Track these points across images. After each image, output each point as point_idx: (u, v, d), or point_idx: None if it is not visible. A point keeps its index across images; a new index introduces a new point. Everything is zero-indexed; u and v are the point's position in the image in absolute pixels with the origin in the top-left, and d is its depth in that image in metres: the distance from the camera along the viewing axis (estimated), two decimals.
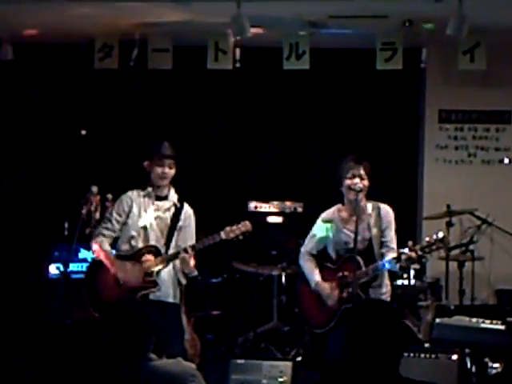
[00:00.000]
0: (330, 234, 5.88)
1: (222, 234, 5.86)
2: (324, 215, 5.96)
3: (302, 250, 6.03)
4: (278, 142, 8.78)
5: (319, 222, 5.96)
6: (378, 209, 5.83)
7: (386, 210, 5.85)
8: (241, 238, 5.90)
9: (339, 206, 5.90)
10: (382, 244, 5.76)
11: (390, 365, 3.51)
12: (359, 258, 5.62)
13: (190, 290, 6.57)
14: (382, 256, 5.68)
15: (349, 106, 8.66)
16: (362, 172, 5.75)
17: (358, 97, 8.63)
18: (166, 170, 5.94)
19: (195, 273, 6.05)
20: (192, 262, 5.90)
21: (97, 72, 8.16)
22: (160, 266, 5.87)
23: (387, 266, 5.64)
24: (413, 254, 5.56)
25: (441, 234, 5.62)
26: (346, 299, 5.67)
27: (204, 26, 7.52)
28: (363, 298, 5.60)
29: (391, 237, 5.78)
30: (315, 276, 5.84)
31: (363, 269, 5.60)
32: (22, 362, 3.79)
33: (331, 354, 5.61)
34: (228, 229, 5.87)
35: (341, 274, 5.73)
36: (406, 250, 5.57)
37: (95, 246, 5.96)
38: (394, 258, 5.59)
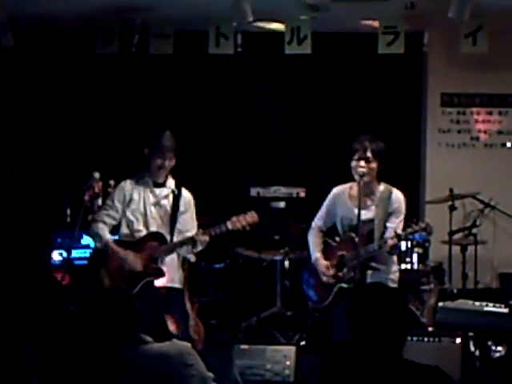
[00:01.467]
0: (338, 209, 5.88)
1: (229, 224, 5.83)
2: (336, 190, 5.96)
3: (313, 224, 6.05)
4: (279, 126, 8.76)
5: (330, 195, 5.96)
6: (390, 193, 5.78)
7: (398, 196, 5.79)
8: (248, 228, 5.87)
9: (354, 183, 5.87)
10: (385, 228, 5.73)
11: (393, 348, 3.50)
12: (356, 238, 5.63)
13: (193, 276, 6.59)
14: (385, 241, 5.67)
15: (351, 90, 8.63)
16: (369, 154, 5.69)
17: (360, 81, 8.60)
18: (166, 162, 5.92)
19: (193, 259, 6.07)
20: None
21: (98, 57, 8.14)
22: (167, 254, 5.88)
23: (376, 248, 5.65)
24: (395, 241, 5.57)
25: (423, 224, 5.62)
26: (341, 278, 5.70)
27: (205, 10, 7.50)
28: (356, 279, 5.60)
29: (396, 224, 5.71)
30: (316, 252, 5.90)
31: (359, 249, 5.61)
32: (28, 350, 3.80)
33: (337, 334, 5.69)
34: (234, 219, 5.83)
35: (340, 252, 5.76)
36: (390, 240, 5.58)
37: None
38: (378, 245, 5.60)
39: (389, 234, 5.65)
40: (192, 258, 6.10)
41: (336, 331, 5.73)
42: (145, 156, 5.99)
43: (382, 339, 3.49)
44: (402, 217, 5.77)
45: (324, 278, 5.80)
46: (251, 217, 5.88)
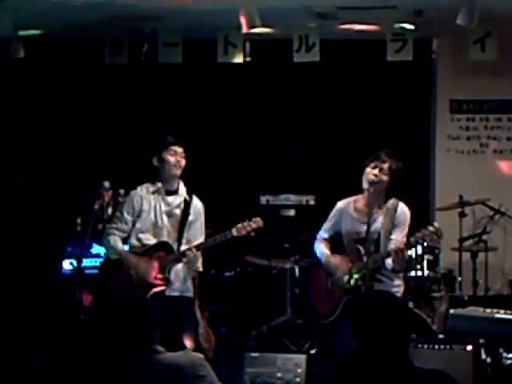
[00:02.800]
0: (344, 223, 5.88)
1: (234, 231, 5.83)
2: (340, 204, 5.95)
3: (317, 237, 6.03)
4: (289, 134, 8.76)
5: (335, 209, 5.96)
6: (396, 205, 5.78)
7: (403, 209, 5.79)
8: (252, 234, 5.88)
9: (358, 196, 5.88)
10: (389, 241, 5.72)
11: (397, 352, 3.50)
12: (361, 249, 5.63)
13: (203, 284, 6.59)
14: (389, 254, 5.67)
15: (360, 97, 8.63)
16: (386, 167, 5.70)
17: (369, 88, 8.60)
18: (179, 158, 5.92)
19: (200, 269, 6.06)
20: (200, 260, 5.92)
21: (107, 67, 8.17)
22: (173, 263, 5.88)
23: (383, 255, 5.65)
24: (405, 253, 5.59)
25: (432, 228, 5.60)
26: (349, 290, 5.68)
27: (213, 19, 7.52)
28: (363, 290, 5.59)
29: (401, 237, 5.71)
30: (325, 251, 5.87)
31: (364, 259, 5.60)
32: (39, 358, 3.81)
33: (340, 347, 5.68)
34: (239, 225, 5.84)
35: None
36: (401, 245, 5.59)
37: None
38: (386, 252, 5.60)
39: (393, 245, 5.65)
40: (191, 273, 6.08)
41: (341, 344, 5.72)
42: (154, 166, 5.97)
43: (384, 345, 3.50)
44: (406, 230, 5.77)
45: (339, 273, 5.73)
46: (256, 222, 5.88)
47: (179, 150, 5.91)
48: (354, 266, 5.69)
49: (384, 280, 5.71)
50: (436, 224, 5.66)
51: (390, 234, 5.71)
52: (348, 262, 5.73)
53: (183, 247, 5.91)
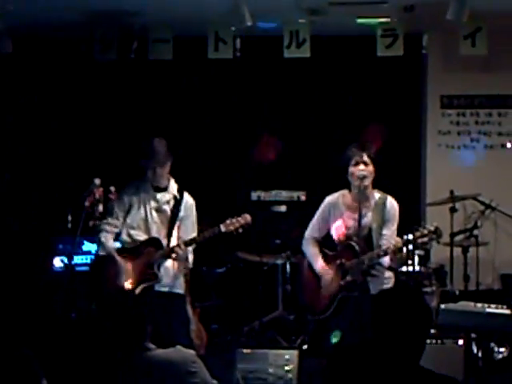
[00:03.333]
0: (333, 218, 5.87)
1: (222, 227, 5.88)
2: (329, 199, 5.95)
3: (306, 235, 6.03)
4: (279, 130, 8.75)
5: (324, 205, 5.96)
6: (385, 200, 5.79)
7: (392, 203, 5.81)
8: (240, 231, 5.91)
9: (345, 191, 5.89)
10: (381, 236, 5.73)
11: (411, 355, 3.47)
12: (356, 245, 5.63)
13: (194, 281, 6.58)
14: (386, 252, 5.68)
15: (350, 93, 8.63)
16: (366, 158, 5.73)
17: (360, 84, 8.60)
18: (158, 169, 5.94)
19: (189, 265, 6.07)
20: (190, 257, 5.93)
21: (97, 64, 8.14)
22: (162, 259, 5.89)
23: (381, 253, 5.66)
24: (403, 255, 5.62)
25: (431, 227, 5.62)
26: (344, 287, 5.68)
27: (204, 15, 7.50)
28: (358, 286, 5.59)
29: (392, 232, 5.76)
30: (319, 261, 5.86)
31: (360, 257, 5.60)
32: (31, 354, 3.80)
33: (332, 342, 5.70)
34: (228, 221, 5.89)
35: (339, 261, 5.74)
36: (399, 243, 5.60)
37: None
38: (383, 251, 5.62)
39: (385, 241, 5.66)
40: (188, 265, 6.10)
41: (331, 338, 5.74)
42: (141, 166, 6.00)
43: (403, 344, 3.47)
44: (396, 224, 5.79)
45: (325, 291, 5.76)
46: (244, 218, 5.93)
47: (160, 160, 5.92)
48: (348, 263, 5.68)
49: (376, 274, 5.73)
50: (435, 223, 5.68)
51: (381, 229, 5.72)
52: (336, 277, 5.72)
53: (173, 243, 5.93)
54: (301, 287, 6.10)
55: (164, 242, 5.94)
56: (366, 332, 5.17)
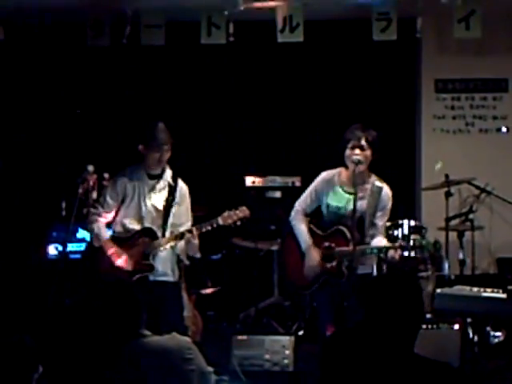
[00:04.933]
0: (326, 195, 5.82)
1: (220, 220, 5.84)
2: (325, 174, 5.90)
3: (297, 206, 5.95)
4: (273, 116, 8.72)
5: (319, 179, 5.90)
6: (380, 188, 5.75)
7: (388, 194, 5.78)
8: (238, 223, 5.87)
9: (342, 169, 5.84)
10: (373, 225, 5.71)
11: (405, 340, 3.45)
12: (348, 233, 5.59)
13: (189, 267, 6.56)
14: (372, 237, 5.66)
15: (344, 77, 8.60)
16: (364, 143, 5.66)
17: (354, 69, 8.56)
18: (163, 155, 5.88)
19: (198, 255, 6.04)
20: (196, 242, 5.89)
21: (89, 50, 8.10)
22: (160, 248, 5.85)
23: (374, 251, 5.67)
24: (396, 257, 5.61)
25: (432, 240, 5.64)
26: (328, 271, 5.66)
27: (196, 0, 7.46)
28: (346, 274, 5.58)
29: (383, 221, 5.76)
30: (307, 239, 5.80)
31: (350, 246, 5.56)
32: (29, 340, 3.79)
33: (321, 321, 5.71)
34: (226, 214, 5.85)
35: (327, 244, 5.70)
36: (391, 252, 5.59)
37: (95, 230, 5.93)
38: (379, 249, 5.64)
39: (377, 231, 5.67)
40: (185, 261, 6.06)
41: (320, 318, 5.76)
42: (139, 151, 5.94)
43: (397, 329, 3.45)
44: (388, 214, 5.79)
45: (308, 271, 5.73)
46: (242, 211, 5.88)
47: (165, 146, 5.87)
48: (338, 250, 5.65)
49: (366, 262, 5.73)
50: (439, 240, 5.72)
51: (374, 216, 5.69)
52: (320, 259, 5.70)
53: (168, 232, 5.89)
54: (284, 261, 6.06)
55: (159, 232, 5.89)
56: (351, 313, 5.19)
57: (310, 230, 5.85)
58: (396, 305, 3.48)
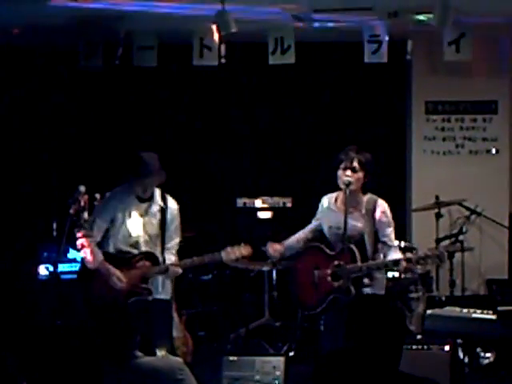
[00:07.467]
0: (327, 217, 5.87)
1: (223, 255, 5.83)
2: (324, 198, 5.96)
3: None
4: (265, 137, 8.76)
5: (321, 203, 5.96)
6: (374, 202, 5.78)
7: (383, 205, 5.77)
8: (240, 260, 5.90)
9: (340, 192, 5.87)
10: (382, 243, 5.71)
11: (390, 360, 3.48)
12: (356, 251, 5.61)
13: (180, 288, 6.56)
14: (385, 256, 5.67)
15: (336, 99, 8.65)
16: (356, 164, 5.69)
17: (345, 90, 8.62)
18: (153, 185, 5.89)
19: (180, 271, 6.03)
20: (180, 271, 5.91)
21: (82, 71, 8.13)
22: (158, 276, 5.85)
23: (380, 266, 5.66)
24: (411, 266, 5.63)
25: (437, 252, 5.62)
26: (336, 289, 5.66)
27: (189, 22, 7.50)
28: (353, 292, 5.58)
29: (389, 234, 5.73)
30: (288, 241, 6.00)
31: (358, 263, 5.58)
32: (11, 358, 3.79)
33: (325, 345, 5.67)
34: (229, 249, 5.84)
35: (336, 262, 5.72)
36: (404, 263, 5.59)
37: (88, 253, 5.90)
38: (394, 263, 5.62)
39: (389, 243, 5.68)
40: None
41: (324, 339, 5.72)
42: (130, 178, 5.92)
43: (381, 349, 3.47)
44: (392, 225, 5.77)
45: (270, 251, 5.92)
46: (246, 250, 5.88)
47: (160, 176, 5.86)
48: (346, 267, 5.66)
49: (372, 284, 5.73)
50: (441, 249, 5.69)
51: (380, 236, 5.70)
52: (329, 277, 5.73)
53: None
54: (294, 281, 6.06)
55: (160, 258, 5.84)
56: (355, 336, 5.19)
57: (321, 250, 5.87)
58: (374, 327, 3.50)
